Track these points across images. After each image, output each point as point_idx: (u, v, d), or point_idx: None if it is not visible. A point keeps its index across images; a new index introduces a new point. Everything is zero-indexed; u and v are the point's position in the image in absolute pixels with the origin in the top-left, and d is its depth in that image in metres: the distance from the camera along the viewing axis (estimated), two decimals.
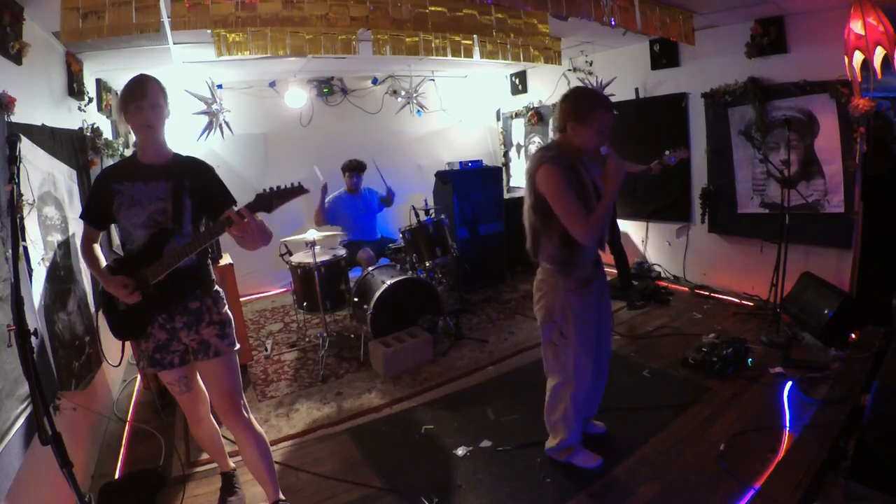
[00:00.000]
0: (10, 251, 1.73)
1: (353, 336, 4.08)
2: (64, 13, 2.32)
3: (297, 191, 1.74)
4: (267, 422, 2.93)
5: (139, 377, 3.41)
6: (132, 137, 2.66)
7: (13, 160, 1.55)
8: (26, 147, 2.19)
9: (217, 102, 4.31)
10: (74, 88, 3.24)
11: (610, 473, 2.30)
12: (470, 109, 6.68)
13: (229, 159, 5.25)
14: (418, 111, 5.75)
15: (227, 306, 1.99)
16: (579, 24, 3.67)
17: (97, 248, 1.89)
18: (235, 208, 1.75)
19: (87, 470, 2.43)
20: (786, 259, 3.53)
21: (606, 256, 2.31)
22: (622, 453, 2.42)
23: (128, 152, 4.03)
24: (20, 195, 1.91)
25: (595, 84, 4.76)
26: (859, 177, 3.49)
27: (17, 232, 1.78)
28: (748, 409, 2.69)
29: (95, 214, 1.86)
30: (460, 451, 2.54)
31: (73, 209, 2.82)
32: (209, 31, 2.86)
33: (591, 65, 5.33)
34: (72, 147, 3.04)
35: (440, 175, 4.92)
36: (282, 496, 2.10)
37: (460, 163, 5.09)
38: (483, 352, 3.74)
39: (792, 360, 3.10)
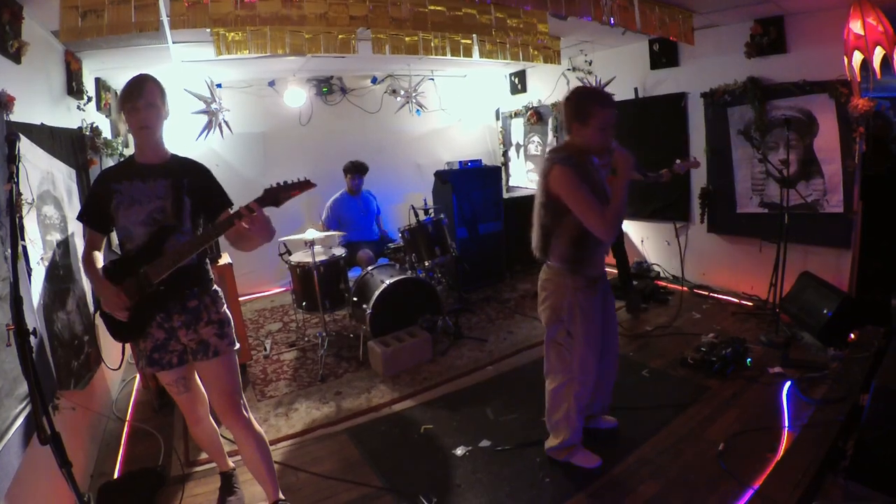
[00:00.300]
0: (9, 250, 1.72)
1: (352, 335, 4.08)
2: (63, 12, 2.32)
3: (304, 185, 1.77)
4: (266, 421, 2.93)
5: (138, 376, 3.42)
6: (131, 137, 2.65)
7: (12, 159, 1.55)
8: (25, 146, 2.18)
9: (216, 101, 4.32)
10: (73, 87, 3.23)
11: (609, 473, 2.30)
12: (469, 109, 6.68)
13: (228, 158, 5.25)
14: (417, 110, 5.75)
15: (225, 305, 1.99)
16: (578, 23, 3.67)
17: (99, 256, 1.86)
18: (235, 208, 1.75)
19: (86, 469, 2.43)
20: (785, 259, 3.53)
21: (607, 256, 2.34)
22: (621, 453, 2.42)
23: (127, 151, 4.02)
24: (19, 194, 1.91)
25: (594, 84, 4.76)
26: (858, 176, 3.50)
27: (17, 231, 1.79)
28: (747, 408, 2.70)
29: (94, 215, 1.85)
30: (459, 451, 2.54)
31: (73, 208, 2.81)
32: (208, 29, 2.85)
33: (590, 64, 5.32)
34: (71, 146, 3.03)
35: (439, 174, 4.93)
36: (281, 496, 2.11)
37: (459, 162, 5.09)
38: (482, 351, 3.74)
39: (791, 360, 3.11)
